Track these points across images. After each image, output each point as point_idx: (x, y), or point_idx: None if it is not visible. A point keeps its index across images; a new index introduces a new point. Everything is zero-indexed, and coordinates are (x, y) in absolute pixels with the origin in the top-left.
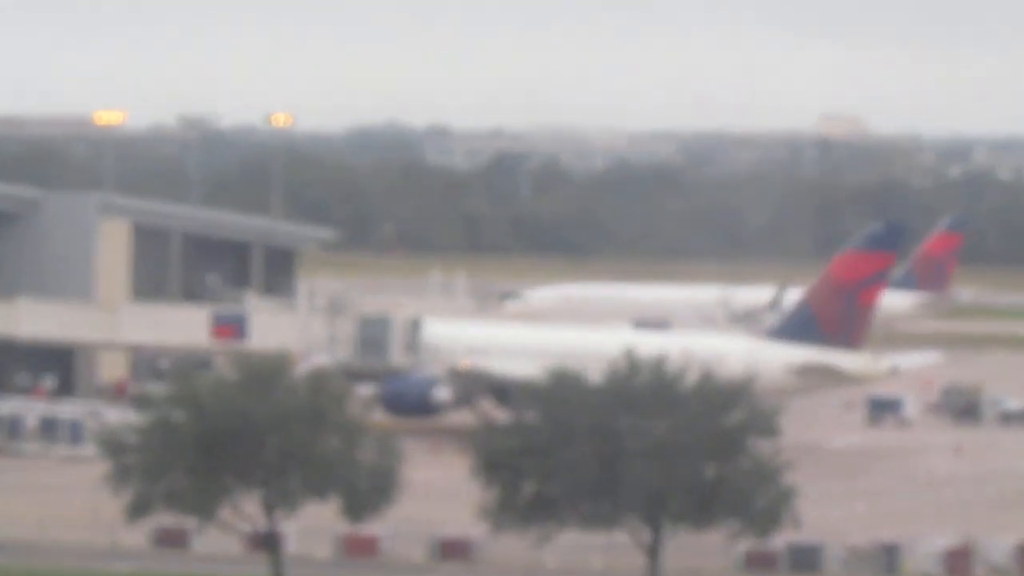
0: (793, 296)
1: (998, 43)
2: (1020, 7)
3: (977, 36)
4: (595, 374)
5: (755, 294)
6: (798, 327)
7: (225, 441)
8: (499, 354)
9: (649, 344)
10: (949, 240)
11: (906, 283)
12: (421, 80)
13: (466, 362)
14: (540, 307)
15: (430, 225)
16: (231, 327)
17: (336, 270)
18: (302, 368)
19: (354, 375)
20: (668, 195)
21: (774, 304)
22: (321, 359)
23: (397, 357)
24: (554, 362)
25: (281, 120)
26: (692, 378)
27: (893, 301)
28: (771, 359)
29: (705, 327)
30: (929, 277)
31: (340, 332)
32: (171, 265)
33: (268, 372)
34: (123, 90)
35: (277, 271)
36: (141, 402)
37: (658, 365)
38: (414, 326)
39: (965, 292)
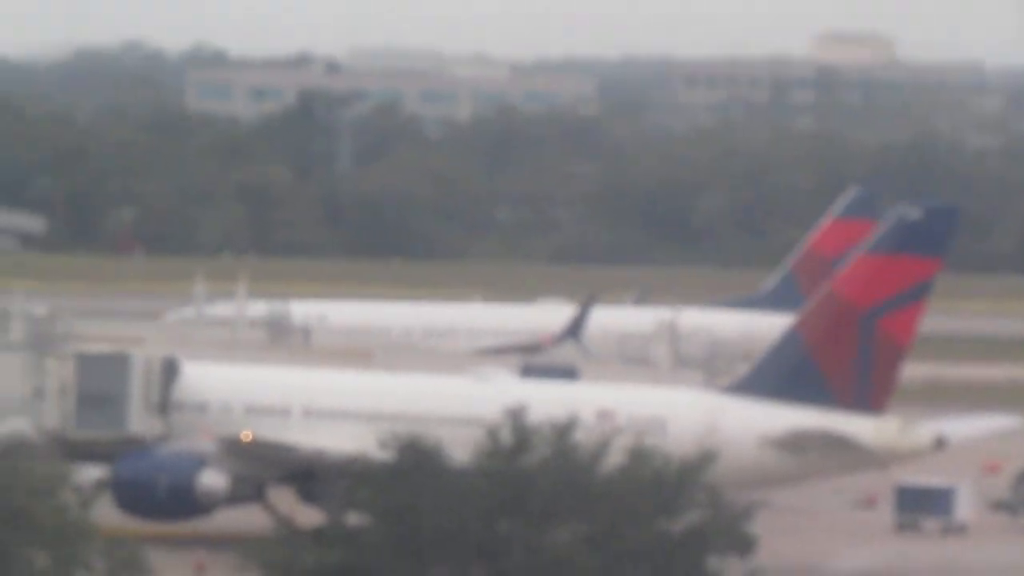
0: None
1: None
2: None
3: None
4: (458, 449)
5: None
6: (784, 373)
7: None
8: (304, 415)
9: (546, 401)
10: None
11: None
12: None
13: (248, 431)
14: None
15: (193, 208)
16: None
17: (44, 280)
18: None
19: (71, 449)
20: (573, 160)
21: (572, 329)
22: (17, 424)
23: (139, 421)
24: (393, 428)
25: None
26: (615, 458)
27: None
28: (741, 426)
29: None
30: None
31: (48, 381)
32: None
33: None
34: None
35: None
36: None
37: (561, 436)
38: (166, 370)
39: None
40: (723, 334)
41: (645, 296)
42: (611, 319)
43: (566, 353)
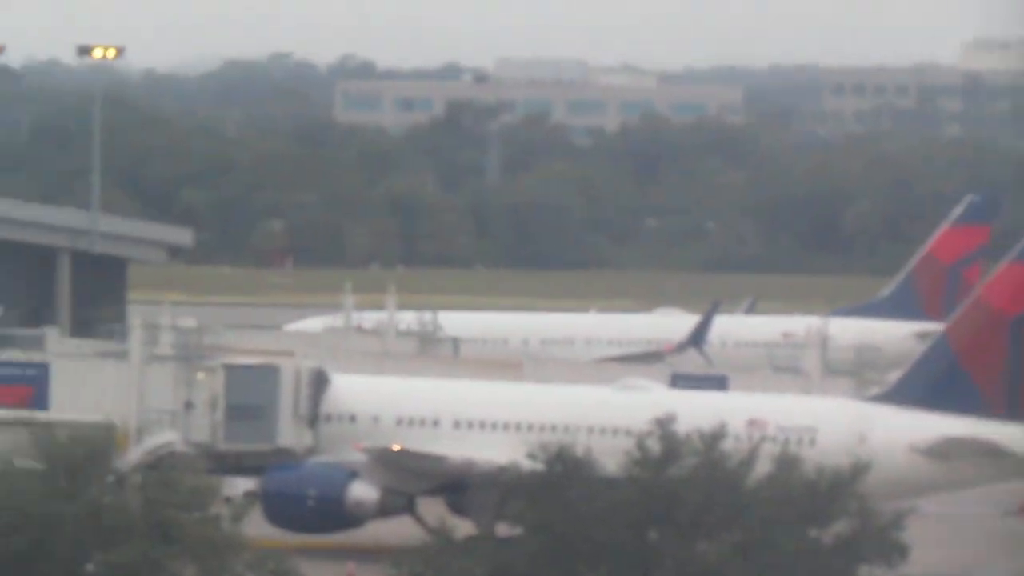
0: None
1: None
2: None
3: None
4: (608, 459)
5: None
6: (933, 381)
7: (9, 568)
8: (454, 426)
9: (695, 410)
10: None
11: None
12: None
13: (398, 442)
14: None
15: (341, 220)
16: (21, 387)
17: (192, 292)
18: (136, 452)
19: (220, 462)
20: (721, 169)
21: (694, 338)
22: (167, 437)
23: (288, 433)
24: (542, 438)
25: (102, 54)
26: (765, 467)
27: None
28: (891, 434)
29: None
30: None
31: (198, 393)
32: None
33: (81, 458)
34: None
35: (97, 295)
36: None
37: (710, 446)
38: (315, 382)
39: None
40: (841, 341)
41: (754, 305)
42: (724, 328)
43: (689, 361)
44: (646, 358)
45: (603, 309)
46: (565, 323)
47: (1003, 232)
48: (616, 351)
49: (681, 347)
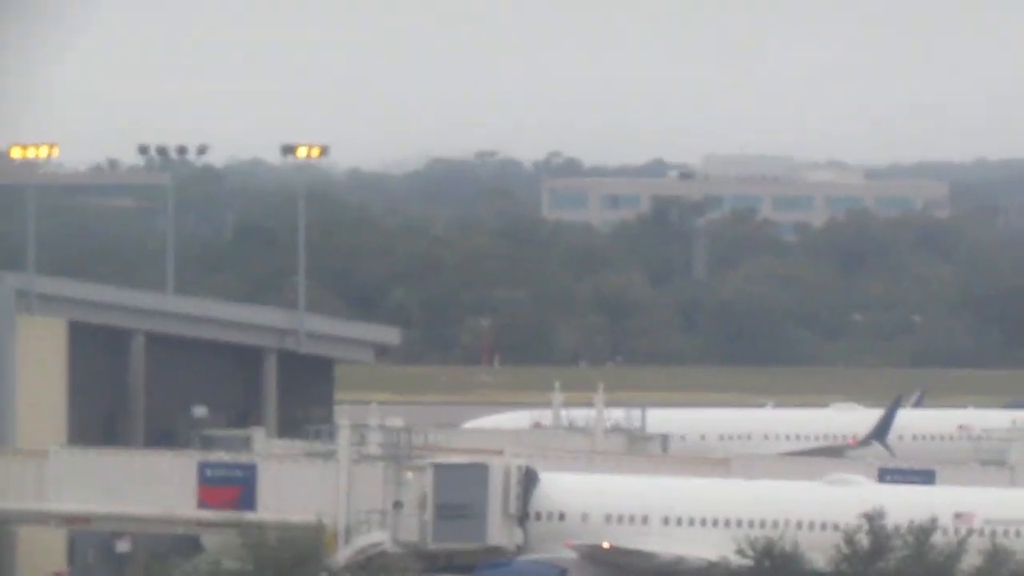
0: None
1: None
2: None
3: None
4: (817, 554)
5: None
6: None
7: None
8: (663, 522)
9: (903, 504)
10: None
11: None
12: (529, 93)
13: (608, 539)
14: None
15: (550, 317)
16: (229, 488)
17: (400, 392)
18: (345, 552)
19: (430, 561)
20: (928, 263)
21: (878, 432)
22: (377, 536)
23: (498, 531)
24: (751, 533)
25: (306, 152)
26: (974, 560)
27: None
28: None
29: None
30: None
31: (405, 493)
32: (131, 387)
33: (290, 561)
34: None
35: (305, 395)
36: None
37: (919, 539)
38: (524, 480)
39: None
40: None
41: (923, 398)
42: (902, 422)
43: (871, 455)
44: (830, 451)
45: (806, 404)
46: (743, 418)
47: None
48: (793, 446)
49: (865, 441)
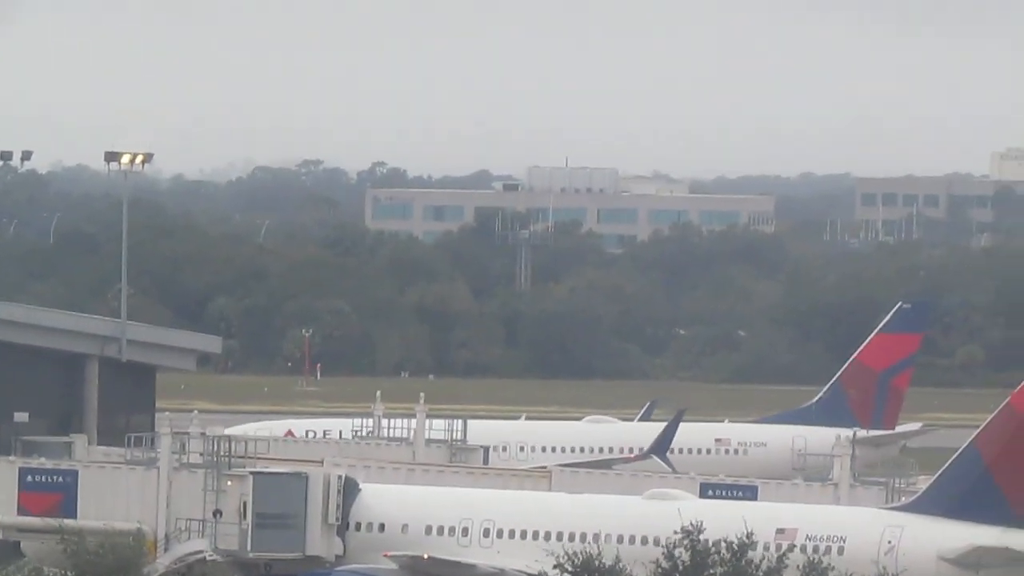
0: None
1: None
2: None
3: None
4: (636, 568)
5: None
6: (963, 490)
7: None
8: (483, 534)
9: (724, 519)
10: None
11: None
12: (353, 103)
13: (427, 550)
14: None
15: (372, 328)
16: (50, 494)
17: (221, 400)
18: (164, 559)
19: (249, 570)
20: (754, 278)
21: (657, 446)
22: (196, 545)
23: (317, 541)
24: (570, 547)
25: (131, 160)
26: None
27: None
28: (919, 544)
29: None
30: None
31: (225, 501)
32: None
33: (111, 566)
34: None
35: (127, 403)
36: None
37: (738, 555)
38: (344, 490)
39: None
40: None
41: (652, 410)
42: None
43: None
44: (601, 465)
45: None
46: (498, 430)
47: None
48: (549, 459)
49: (644, 455)
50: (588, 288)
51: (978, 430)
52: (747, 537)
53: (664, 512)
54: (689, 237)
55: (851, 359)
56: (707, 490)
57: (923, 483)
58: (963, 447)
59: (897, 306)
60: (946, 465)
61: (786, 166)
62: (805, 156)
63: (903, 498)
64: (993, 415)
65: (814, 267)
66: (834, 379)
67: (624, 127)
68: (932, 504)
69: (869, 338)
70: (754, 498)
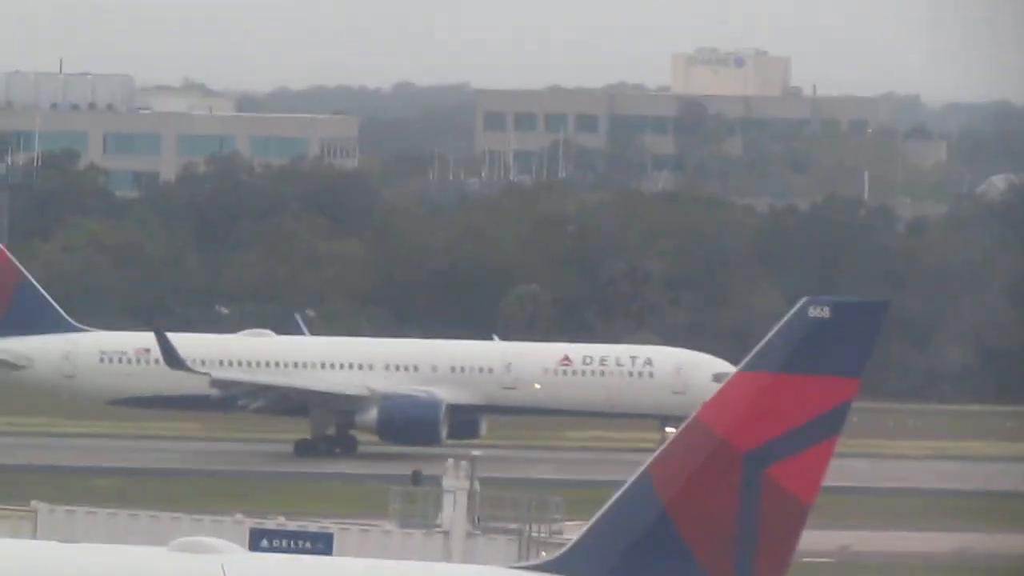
0: None
1: None
2: None
3: None
4: None
5: None
6: (628, 542)
7: None
8: None
9: None
10: None
11: None
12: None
13: None
14: None
15: None
16: None
17: None
18: None
19: None
20: (322, 232)
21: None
22: None
23: None
24: None
25: None
26: None
27: None
28: None
29: None
30: None
31: None
32: None
33: None
34: None
35: None
36: None
37: None
38: None
39: None
40: None
41: None
42: None
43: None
44: None
45: None
46: None
47: None
48: None
49: None
50: (89, 246)
51: (652, 457)
52: None
53: (198, 570)
54: (235, 174)
55: None
56: (260, 538)
57: (571, 531)
58: (632, 478)
59: None
60: (606, 506)
61: (377, 75)
62: (403, 61)
63: (542, 553)
64: (672, 437)
65: (415, 219)
66: None
67: (142, 22)
68: (585, 562)
69: None
70: (328, 548)
